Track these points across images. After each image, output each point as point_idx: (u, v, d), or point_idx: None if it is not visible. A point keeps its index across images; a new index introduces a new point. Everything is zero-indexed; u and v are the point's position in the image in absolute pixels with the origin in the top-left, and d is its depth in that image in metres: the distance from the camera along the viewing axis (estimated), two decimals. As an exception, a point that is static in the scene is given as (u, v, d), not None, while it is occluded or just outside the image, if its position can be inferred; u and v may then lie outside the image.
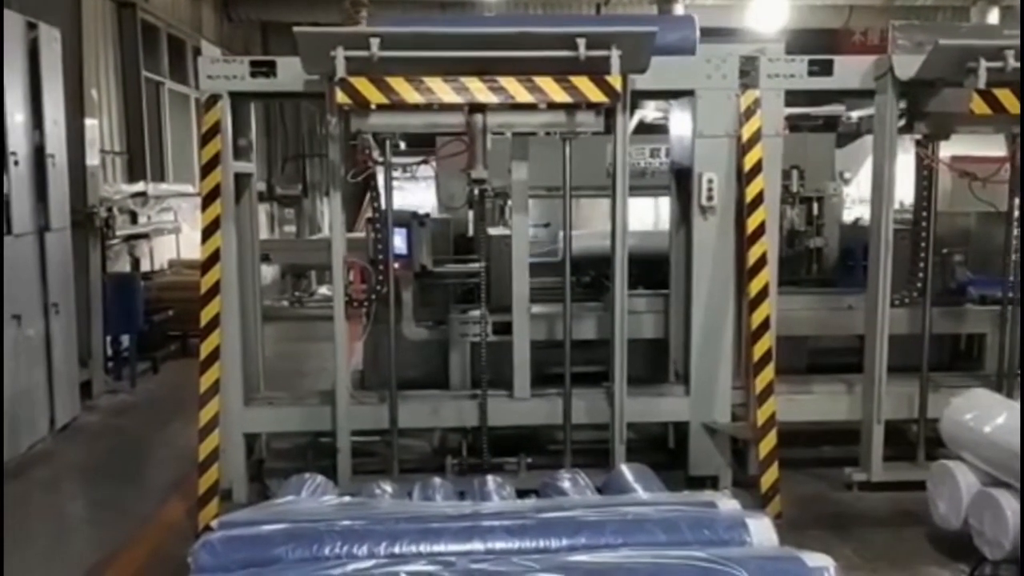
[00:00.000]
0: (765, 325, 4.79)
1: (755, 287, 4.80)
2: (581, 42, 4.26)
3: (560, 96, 4.34)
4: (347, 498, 3.55)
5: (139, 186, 8.85)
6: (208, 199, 4.74)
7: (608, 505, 3.36)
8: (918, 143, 5.19)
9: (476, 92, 4.31)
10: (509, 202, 5.34)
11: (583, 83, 4.33)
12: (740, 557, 2.76)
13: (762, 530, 3.05)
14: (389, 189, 4.88)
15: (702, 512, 3.17)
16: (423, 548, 2.92)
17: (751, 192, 4.82)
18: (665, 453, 5.45)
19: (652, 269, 6.11)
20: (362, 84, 4.27)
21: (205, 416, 4.65)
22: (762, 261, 4.80)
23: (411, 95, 4.29)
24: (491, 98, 4.32)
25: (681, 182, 5.42)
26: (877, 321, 5.05)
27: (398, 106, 4.37)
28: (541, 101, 4.37)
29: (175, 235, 10.14)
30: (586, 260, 6.00)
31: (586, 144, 6.08)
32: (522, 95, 4.31)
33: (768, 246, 4.84)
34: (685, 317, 5.28)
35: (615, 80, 4.32)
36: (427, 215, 5.86)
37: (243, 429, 5.06)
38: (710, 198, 4.99)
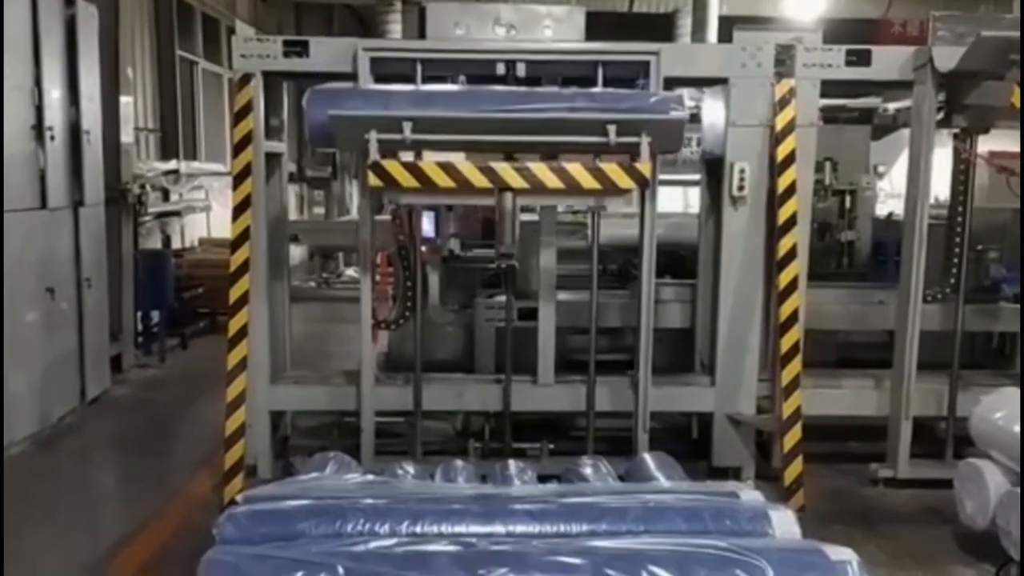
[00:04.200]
0: (794, 317, 4.74)
1: (785, 279, 4.75)
2: (612, 128, 4.25)
3: (589, 184, 4.29)
4: (370, 477, 3.57)
5: (171, 164, 8.95)
6: (239, 178, 4.78)
7: (630, 492, 3.34)
8: (956, 136, 5.10)
9: (507, 178, 4.28)
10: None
11: (613, 171, 4.28)
12: (762, 548, 2.74)
13: (785, 522, 3.03)
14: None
15: (724, 502, 3.15)
16: (444, 528, 2.93)
17: (783, 183, 4.76)
18: (688, 443, 5.43)
19: (680, 258, 6.09)
20: (394, 168, 4.27)
21: (232, 392, 4.70)
22: (792, 253, 4.75)
23: (442, 180, 4.28)
24: (521, 184, 4.29)
25: (712, 171, 5.38)
26: (908, 316, 4.98)
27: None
28: (571, 189, 4.33)
29: (206, 213, 10.25)
30: (613, 248, 5.98)
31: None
32: (552, 182, 4.28)
33: (799, 238, 4.79)
34: (712, 307, 5.25)
35: (644, 168, 4.29)
36: (455, 199, 5.85)
37: (269, 407, 5.11)
38: (741, 188, 4.94)
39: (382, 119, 4.27)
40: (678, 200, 8.19)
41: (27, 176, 5.71)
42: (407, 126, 4.21)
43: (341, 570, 2.59)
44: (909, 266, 4.99)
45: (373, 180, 4.27)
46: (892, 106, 6.23)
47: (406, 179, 4.27)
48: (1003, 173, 5.15)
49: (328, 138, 4.46)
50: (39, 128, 5.80)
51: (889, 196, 9.30)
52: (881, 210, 8.12)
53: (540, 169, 4.27)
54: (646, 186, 4.43)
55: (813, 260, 5.26)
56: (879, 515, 4.74)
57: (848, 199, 7.25)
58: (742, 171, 4.92)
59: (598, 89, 4.75)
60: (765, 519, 3.01)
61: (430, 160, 4.37)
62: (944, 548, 4.32)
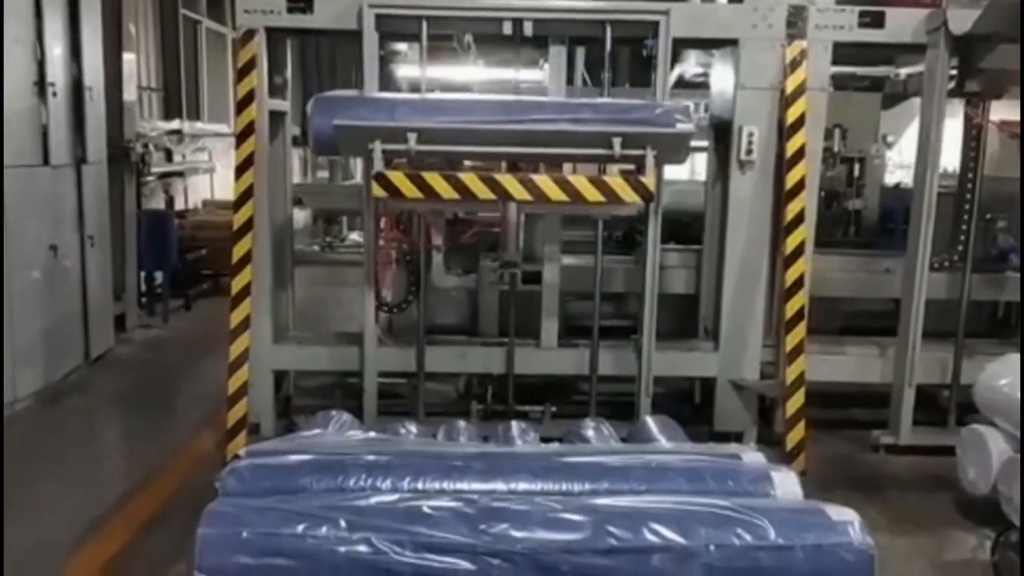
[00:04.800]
0: (799, 283, 4.72)
1: (791, 244, 4.72)
2: (616, 141, 4.20)
3: (594, 196, 4.25)
4: (372, 434, 3.57)
5: (175, 124, 8.88)
6: (242, 136, 4.74)
7: (632, 453, 3.35)
8: (968, 102, 5.03)
9: (510, 189, 4.24)
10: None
11: (618, 184, 4.24)
12: (763, 507, 2.75)
13: (787, 483, 3.03)
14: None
15: (726, 463, 3.15)
16: (446, 485, 2.93)
17: (792, 147, 4.71)
18: (690, 408, 5.44)
19: (685, 224, 6.05)
20: (398, 179, 4.23)
21: (235, 351, 4.70)
22: (800, 218, 4.71)
23: (446, 191, 4.24)
24: (525, 196, 4.26)
25: (720, 136, 5.32)
26: (915, 283, 4.96)
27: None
28: (575, 200, 4.28)
29: (209, 175, 10.20)
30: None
31: (623, 97, 5.95)
32: (556, 194, 4.24)
33: (807, 203, 4.74)
34: (717, 273, 5.22)
35: (649, 181, 4.24)
36: (461, 161, 5.80)
37: (272, 366, 5.12)
38: (749, 152, 4.89)
39: (387, 129, 4.25)
40: (684, 166, 8.10)
41: (29, 132, 5.67)
42: (412, 137, 4.19)
43: (343, 523, 2.60)
44: (917, 233, 4.96)
45: (377, 191, 4.25)
46: (904, 71, 6.14)
47: (410, 190, 4.25)
48: (1015, 139, 5.08)
49: (333, 146, 4.44)
50: (41, 84, 5.74)
51: (897, 167, 9.21)
52: (889, 181, 8.04)
53: (544, 181, 4.24)
54: (650, 200, 4.41)
55: (820, 228, 5.23)
56: (880, 481, 4.76)
57: (856, 167, 7.18)
58: (751, 135, 4.87)
59: (604, 100, 4.72)
60: (767, 480, 3.01)
61: (434, 171, 4.34)
62: (945, 513, 4.34)
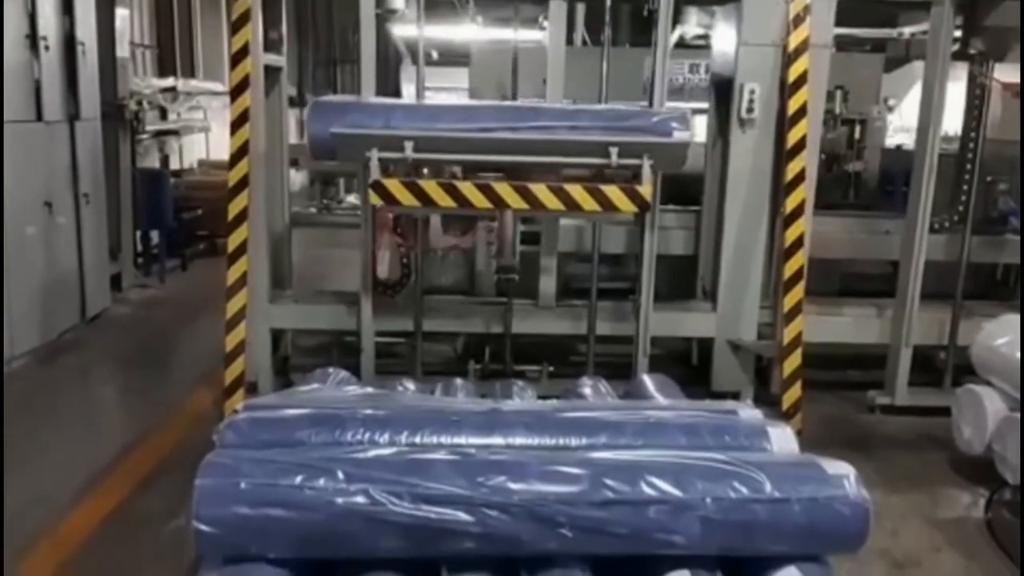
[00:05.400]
0: (798, 243, 4.70)
1: (791, 203, 4.69)
2: (613, 151, 4.14)
3: (590, 206, 4.21)
4: (370, 390, 3.56)
5: (169, 81, 8.77)
6: (237, 90, 4.66)
7: (630, 409, 3.34)
8: (972, 61, 4.97)
9: (507, 198, 4.20)
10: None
11: (614, 193, 4.18)
12: (760, 462, 2.75)
13: (783, 439, 3.02)
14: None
15: (723, 419, 3.14)
16: (444, 439, 2.92)
17: (794, 104, 4.66)
18: (688, 369, 5.46)
19: (683, 185, 6.01)
20: (395, 187, 4.19)
21: (232, 308, 4.68)
22: (800, 177, 4.68)
23: (442, 199, 4.21)
24: (521, 204, 4.22)
25: (721, 95, 5.26)
26: (914, 243, 4.94)
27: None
28: (572, 209, 4.25)
29: (204, 135, 10.10)
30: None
31: (623, 57, 5.90)
32: (552, 203, 4.20)
33: (808, 161, 4.70)
34: (716, 233, 5.20)
35: (646, 191, 4.18)
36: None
37: (269, 324, 5.10)
38: (751, 110, 4.85)
39: (383, 138, 4.20)
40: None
41: (22, 87, 5.59)
42: (408, 145, 4.15)
43: (341, 475, 2.59)
44: (918, 194, 4.93)
45: (374, 198, 4.22)
46: (908, 30, 6.06)
47: (406, 197, 4.22)
48: (1018, 98, 5.04)
49: (330, 151, 4.39)
50: (33, 37, 5.65)
51: (898, 130, 9.17)
52: (889, 143, 8.00)
53: (540, 190, 4.20)
54: (647, 209, 4.38)
55: (820, 191, 5.19)
56: (875, 440, 4.79)
57: (857, 129, 7.13)
58: (752, 92, 4.82)
59: (601, 107, 4.66)
60: (763, 435, 3.01)
61: (430, 179, 4.32)
62: (939, 472, 4.38)
